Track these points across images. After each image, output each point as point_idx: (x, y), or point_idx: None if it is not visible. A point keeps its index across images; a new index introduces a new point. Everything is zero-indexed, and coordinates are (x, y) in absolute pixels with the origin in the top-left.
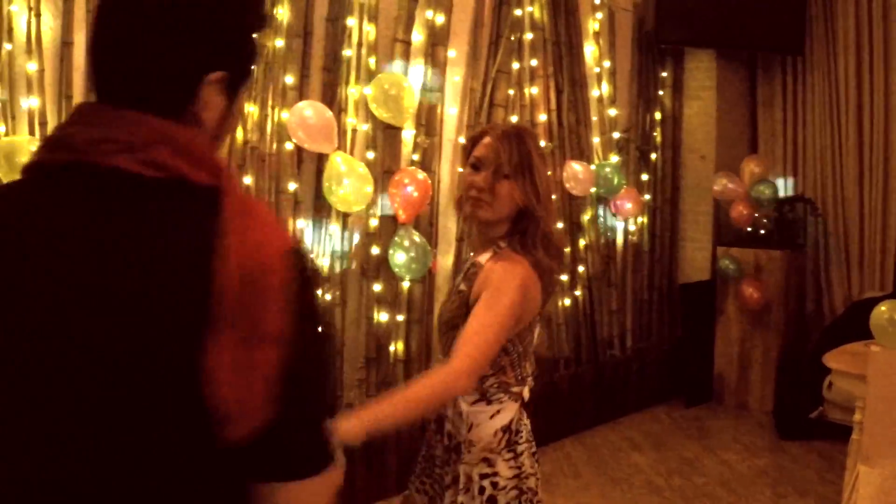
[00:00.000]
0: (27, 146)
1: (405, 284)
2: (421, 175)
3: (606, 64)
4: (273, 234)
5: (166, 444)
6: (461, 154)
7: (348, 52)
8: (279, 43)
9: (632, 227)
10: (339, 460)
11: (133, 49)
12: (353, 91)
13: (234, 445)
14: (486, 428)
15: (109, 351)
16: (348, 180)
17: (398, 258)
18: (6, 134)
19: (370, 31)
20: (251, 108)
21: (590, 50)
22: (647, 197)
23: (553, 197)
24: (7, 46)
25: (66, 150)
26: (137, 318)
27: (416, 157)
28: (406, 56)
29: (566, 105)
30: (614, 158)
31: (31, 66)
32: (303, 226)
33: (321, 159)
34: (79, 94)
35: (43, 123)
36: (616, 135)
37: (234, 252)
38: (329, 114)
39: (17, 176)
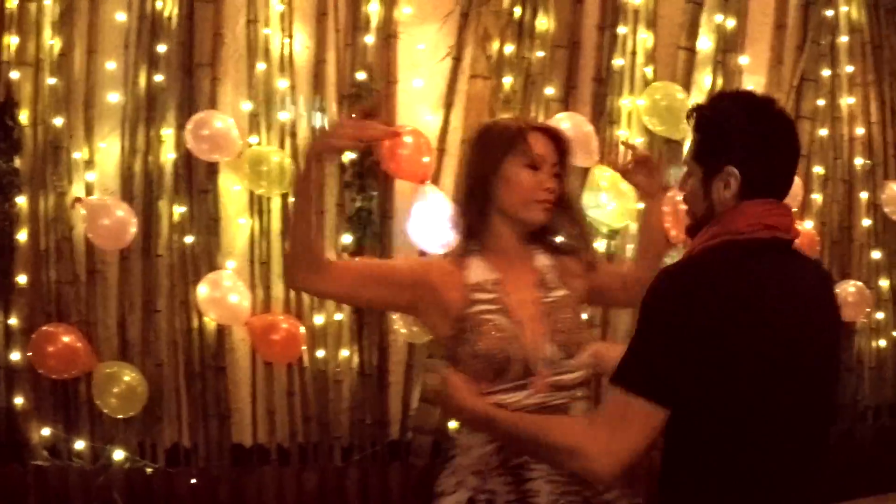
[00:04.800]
0: (271, 156)
1: None
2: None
3: None
4: None
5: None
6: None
7: (620, 62)
8: (540, 54)
9: None
10: None
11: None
12: (625, 102)
13: None
14: None
15: (832, 365)
16: (607, 195)
17: None
18: (258, 144)
19: (647, 38)
20: None
21: None
22: None
23: None
24: (261, 66)
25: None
26: (836, 338)
27: None
28: (690, 64)
29: (891, 117)
30: None
31: (283, 84)
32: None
33: (585, 173)
34: (331, 107)
35: (293, 135)
36: None
37: None
38: (588, 126)
39: (258, 181)
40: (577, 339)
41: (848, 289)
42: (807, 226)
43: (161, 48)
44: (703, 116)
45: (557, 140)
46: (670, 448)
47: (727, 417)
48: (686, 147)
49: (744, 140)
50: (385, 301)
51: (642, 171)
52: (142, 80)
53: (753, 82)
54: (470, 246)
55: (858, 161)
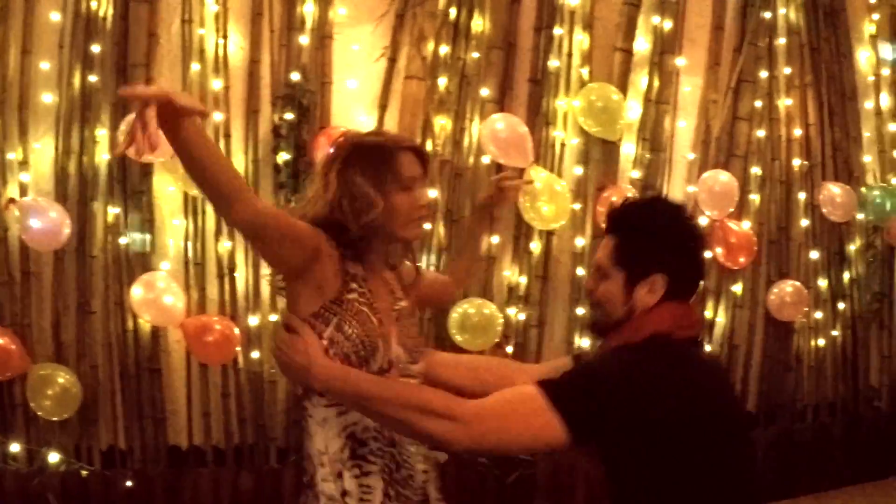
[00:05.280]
0: None
1: None
2: (631, 193)
3: (885, 72)
4: None
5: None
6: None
7: (556, 63)
8: (475, 55)
9: None
10: None
11: None
12: (561, 103)
13: None
14: None
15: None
16: (543, 197)
17: None
18: None
19: (583, 39)
20: (442, 121)
21: (864, 56)
22: None
23: None
24: (195, 66)
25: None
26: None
27: (636, 173)
28: (626, 65)
29: (828, 118)
30: (894, 181)
31: (217, 84)
32: (497, 242)
33: (521, 174)
34: (266, 108)
35: (227, 136)
36: None
37: None
38: (523, 127)
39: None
40: (419, 346)
41: (786, 289)
42: (744, 226)
43: (95, 48)
44: (626, 222)
45: (421, 154)
46: None
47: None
48: (603, 246)
49: (672, 247)
50: (281, 254)
51: (507, 201)
52: (76, 81)
53: (691, 83)
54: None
55: (796, 162)
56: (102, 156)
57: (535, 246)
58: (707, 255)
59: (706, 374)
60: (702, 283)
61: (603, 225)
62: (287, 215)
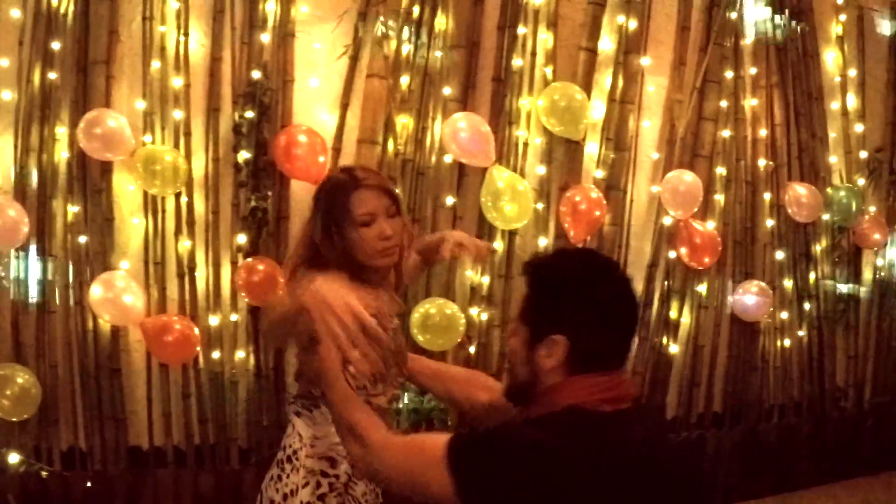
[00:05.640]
0: (164, 155)
1: None
2: (595, 194)
3: (853, 73)
4: None
5: None
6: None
7: (519, 62)
8: (438, 54)
9: (879, 262)
10: None
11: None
12: (524, 103)
13: None
14: None
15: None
16: (505, 196)
17: None
18: (152, 143)
19: (547, 38)
20: (404, 120)
21: (831, 57)
22: None
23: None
24: (156, 64)
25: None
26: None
27: (600, 173)
28: (591, 65)
29: (794, 119)
30: (861, 181)
31: (178, 82)
32: None
33: (486, 173)
34: (227, 106)
35: (187, 134)
36: (863, 154)
37: None
38: (485, 127)
39: (152, 180)
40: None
41: (751, 289)
42: (709, 226)
43: (56, 45)
44: (538, 276)
45: (385, 189)
46: None
47: None
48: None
49: (576, 308)
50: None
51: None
52: (36, 78)
53: (655, 83)
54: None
55: (762, 162)
56: (62, 154)
57: (498, 245)
58: (631, 319)
59: (627, 455)
60: (628, 350)
61: (566, 225)
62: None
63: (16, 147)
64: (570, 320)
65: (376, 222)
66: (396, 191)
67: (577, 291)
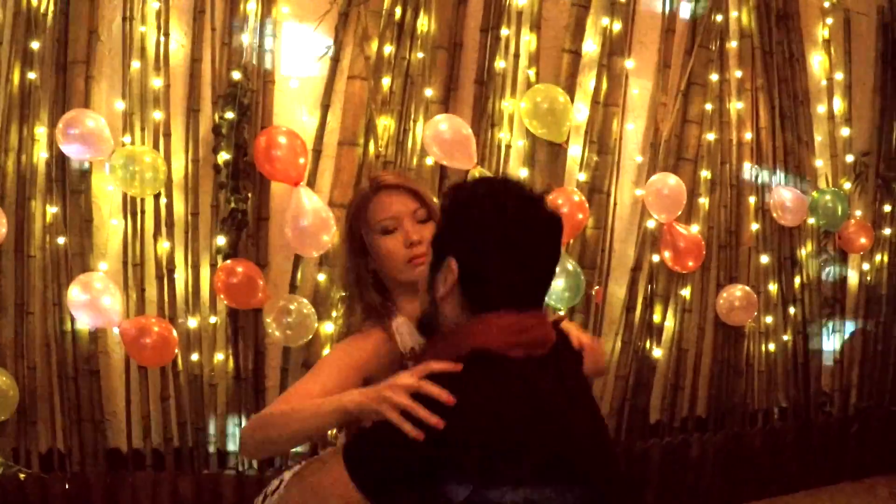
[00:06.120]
0: (144, 156)
1: (560, 314)
2: (578, 197)
3: (839, 76)
4: None
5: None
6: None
7: (502, 64)
8: (420, 55)
9: (866, 266)
10: None
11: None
12: (507, 105)
13: None
14: None
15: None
16: None
17: None
18: (131, 143)
19: (530, 40)
20: (385, 122)
21: (817, 60)
22: (888, 231)
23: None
24: (136, 64)
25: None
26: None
27: (582, 176)
28: (574, 67)
29: (780, 122)
30: (847, 185)
31: (157, 82)
32: None
33: (467, 176)
34: (207, 107)
35: (167, 135)
36: (850, 158)
37: None
38: (467, 129)
39: (130, 181)
40: None
41: (735, 293)
42: (693, 230)
43: (35, 45)
44: (445, 197)
45: (406, 188)
46: None
47: None
48: None
49: (465, 230)
50: None
51: None
52: (15, 78)
53: (640, 86)
54: (387, 303)
55: (747, 166)
56: (41, 154)
57: None
58: (538, 253)
59: (532, 408)
60: (541, 290)
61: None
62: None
63: None
64: (458, 241)
65: (402, 228)
66: (427, 193)
67: (470, 212)
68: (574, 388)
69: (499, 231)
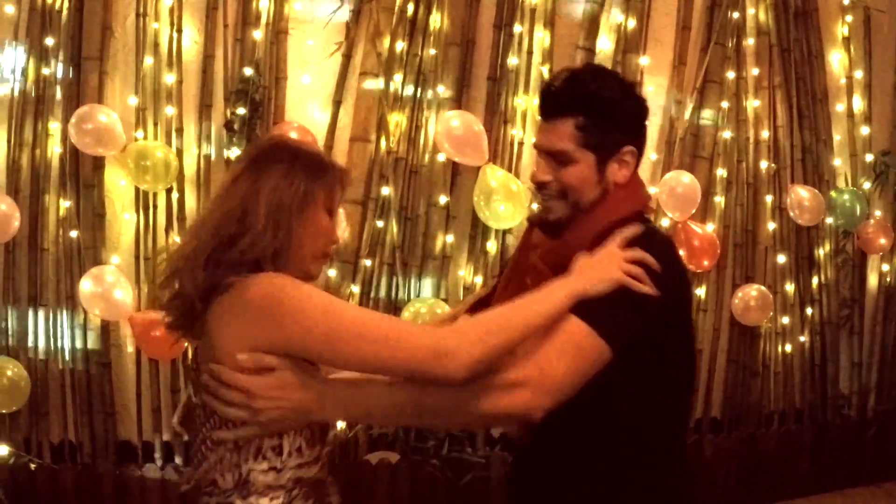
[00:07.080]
0: (156, 151)
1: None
2: None
3: (858, 74)
4: None
5: None
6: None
7: (515, 61)
8: (432, 52)
9: (885, 267)
10: None
11: None
12: (520, 102)
13: None
14: None
15: None
16: (498, 196)
17: None
18: (144, 139)
19: (544, 37)
20: (397, 118)
21: (836, 58)
22: None
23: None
24: (149, 60)
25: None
26: None
27: None
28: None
29: (798, 121)
30: (867, 185)
31: (170, 78)
32: (452, 241)
33: (479, 172)
34: (219, 103)
35: (179, 130)
36: (869, 157)
37: None
38: (479, 125)
39: (143, 176)
40: None
41: (751, 293)
42: (708, 229)
43: (50, 41)
44: (584, 99)
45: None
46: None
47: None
48: (554, 132)
49: (637, 117)
50: None
51: None
52: (30, 73)
53: (655, 83)
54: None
55: (764, 164)
56: (55, 149)
57: (492, 245)
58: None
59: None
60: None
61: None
62: None
63: (9, 142)
64: (631, 127)
65: (334, 219)
66: None
67: (633, 100)
68: None
69: (646, 107)
